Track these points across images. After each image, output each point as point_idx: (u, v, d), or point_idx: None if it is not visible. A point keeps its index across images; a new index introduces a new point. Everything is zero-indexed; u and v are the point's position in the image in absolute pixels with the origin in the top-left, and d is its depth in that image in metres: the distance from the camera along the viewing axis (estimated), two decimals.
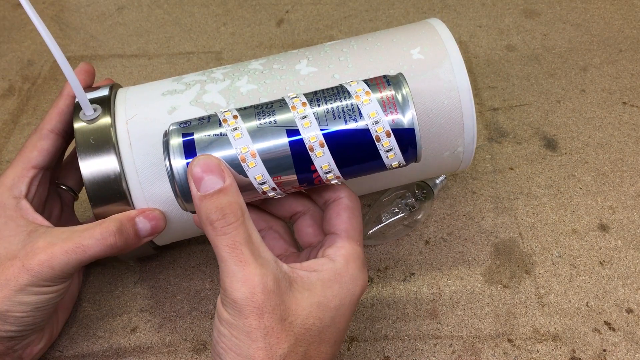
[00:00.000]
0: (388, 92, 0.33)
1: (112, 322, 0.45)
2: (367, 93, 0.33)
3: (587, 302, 0.45)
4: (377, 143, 0.32)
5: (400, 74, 0.34)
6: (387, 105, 0.32)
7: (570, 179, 0.53)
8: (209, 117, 0.34)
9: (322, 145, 0.32)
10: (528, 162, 0.55)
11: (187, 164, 0.32)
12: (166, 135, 0.33)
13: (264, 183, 0.33)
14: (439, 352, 0.42)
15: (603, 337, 0.43)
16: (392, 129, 0.32)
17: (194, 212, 0.34)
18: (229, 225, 0.30)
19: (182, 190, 0.33)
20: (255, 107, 0.34)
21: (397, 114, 0.32)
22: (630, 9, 0.72)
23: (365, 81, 0.34)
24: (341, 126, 0.32)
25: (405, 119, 0.32)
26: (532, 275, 0.47)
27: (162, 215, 0.39)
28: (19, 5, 0.77)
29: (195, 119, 0.34)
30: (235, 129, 0.32)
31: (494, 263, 0.47)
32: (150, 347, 0.43)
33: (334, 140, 0.32)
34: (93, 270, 0.47)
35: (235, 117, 0.33)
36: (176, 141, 0.33)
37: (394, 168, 0.34)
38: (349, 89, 0.33)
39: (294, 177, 0.33)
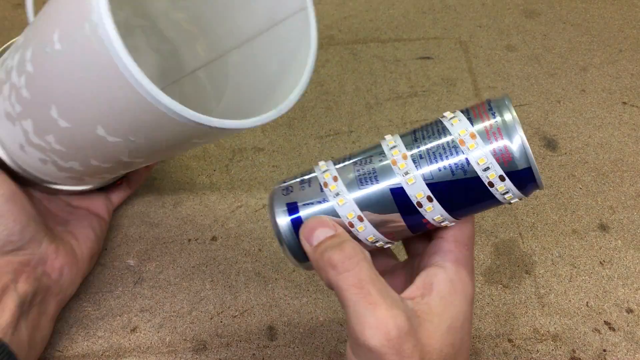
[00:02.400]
0: (494, 128, 0.29)
1: (112, 322, 0.45)
2: (472, 136, 0.29)
3: (587, 302, 0.45)
4: (490, 189, 0.29)
5: (506, 96, 0.31)
6: (497, 146, 0.29)
7: (570, 179, 0.53)
8: (309, 180, 0.32)
9: (430, 200, 0.30)
10: None
11: (292, 221, 0.32)
12: (271, 201, 0.33)
13: (376, 242, 0.32)
14: None
15: (603, 337, 0.43)
16: (505, 173, 0.29)
17: (308, 269, 0.33)
18: (350, 260, 0.29)
19: (292, 249, 0.32)
20: (354, 163, 0.32)
21: (508, 154, 0.29)
22: (630, 9, 0.72)
23: (467, 114, 0.30)
24: (448, 177, 0.29)
25: (519, 157, 0.29)
26: (532, 275, 0.47)
27: None
28: (19, 5, 0.77)
29: (296, 183, 0.33)
30: (337, 194, 0.31)
31: (494, 263, 0.47)
32: (150, 347, 0.43)
33: (442, 193, 0.30)
34: (93, 270, 0.47)
35: (335, 178, 0.31)
36: (281, 212, 0.32)
37: (513, 202, 0.32)
38: (451, 129, 0.30)
39: (407, 231, 0.32)
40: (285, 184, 0.33)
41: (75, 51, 0.29)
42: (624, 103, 0.60)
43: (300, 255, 0.32)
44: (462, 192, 0.30)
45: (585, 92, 0.62)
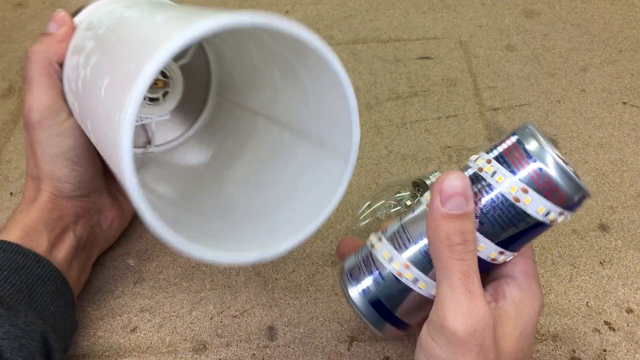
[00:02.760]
0: (543, 177, 0.29)
1: (112, 322, 0.45)
2: (523, 190, 0.29)
3: (587, 302, 0.45)
4: (552, 224, 0.30)
5: (533, 132, 0.30)
6: (548, 189, 0.29)
7: None
8: (368, 252, 0.34)
9: (502, 254, 0.31)
10: None
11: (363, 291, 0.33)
12: (341, 280, 0.35)
13: None
14: None
15: (603, 337, 0.43)
16: (564, 208, 0.30)
17: (385, 337, 0.34)
18: (468, 252, 0.29)
19: (370, 318, 0.34)
20: (410, 236, 0.32)
21: (563, 195, 0.29)
22: (630, 9, 0.72)
23: (504, 162, 0.30)
24: (513, 231, 0.30)
25: (573, 194, 0.29)
26: None
27: (67, 15, 0.41)
28: (19, 5, 0.77)
29: (357, 257, 0.35)
30: (416, 279, 0.32)
31: None
32: (150, 347, 0.43)
33: (512, 244, 0.31)
34: (93, 270, 0.47)
35: (406, 265, 0.32)
36: (351, 285, 0.34)
37: None
38: (499, 188, 0.30)
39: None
40: (349, 261, 0.35)
41: (109, 117, 0.28)
42: (624, 103, 0.60)
43: (377, 322, 0.33)
44: (525, 236, 0.31)
45: (585, 92, 0.62)
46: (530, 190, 0.29)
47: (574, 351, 0.42)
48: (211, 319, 0.45)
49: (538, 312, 0.32)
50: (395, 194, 0.49)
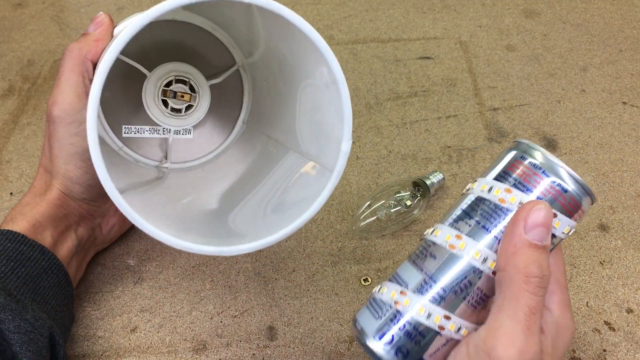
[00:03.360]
0: (568, 199, 0.30)
1: (112, 322, 0.45)
2: (553, 215, 0.30)
3: (587, 302, 0.45)
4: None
5: (535, 148, 0.31)
6: (574, 209, 0.30)
7: None
8: (422, 332, 0.31)
9: None
10: None
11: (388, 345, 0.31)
12: (358, 333, 0.32)
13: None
14: None
15: (603, 337, 0.43)
16: (578, 222, 0.31)
17: None
18: (542, 288, 0.28)
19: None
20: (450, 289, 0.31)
21: (582, 210, 0.30)
22: (630, 9, 0.72)
23: (523, 187, 0.30)
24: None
25: (587, 204, 0.31)
26: None
27: (106, 17, 0.44)
28: (19, 5, 0.77)
29: (403, 338, 0.31)
30: (459, 329, 0.31)
31: None
32: (150, 347, 0.43)
33: None
34: (93, 270, 0.47)
35: (447, 317, 0.30)
36: (372, 337, 0.32)
37: None
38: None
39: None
40: (368, 322, 0.32)
41: None
42: (624, 103, 0.60)
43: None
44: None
45: (585, 92, 0.62)
46: (559, 214, 0.30)
47: (574, 351, 0.42)
48: (211, 319, 0.45)
49: (570, 343, 0.32)
50: (395, 194, 0.49)
